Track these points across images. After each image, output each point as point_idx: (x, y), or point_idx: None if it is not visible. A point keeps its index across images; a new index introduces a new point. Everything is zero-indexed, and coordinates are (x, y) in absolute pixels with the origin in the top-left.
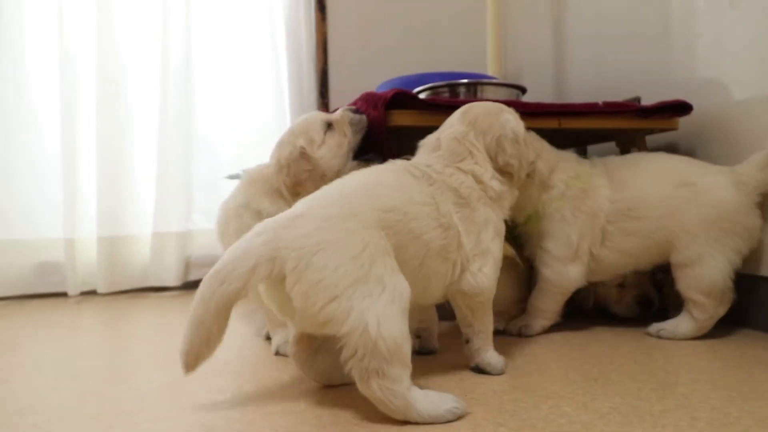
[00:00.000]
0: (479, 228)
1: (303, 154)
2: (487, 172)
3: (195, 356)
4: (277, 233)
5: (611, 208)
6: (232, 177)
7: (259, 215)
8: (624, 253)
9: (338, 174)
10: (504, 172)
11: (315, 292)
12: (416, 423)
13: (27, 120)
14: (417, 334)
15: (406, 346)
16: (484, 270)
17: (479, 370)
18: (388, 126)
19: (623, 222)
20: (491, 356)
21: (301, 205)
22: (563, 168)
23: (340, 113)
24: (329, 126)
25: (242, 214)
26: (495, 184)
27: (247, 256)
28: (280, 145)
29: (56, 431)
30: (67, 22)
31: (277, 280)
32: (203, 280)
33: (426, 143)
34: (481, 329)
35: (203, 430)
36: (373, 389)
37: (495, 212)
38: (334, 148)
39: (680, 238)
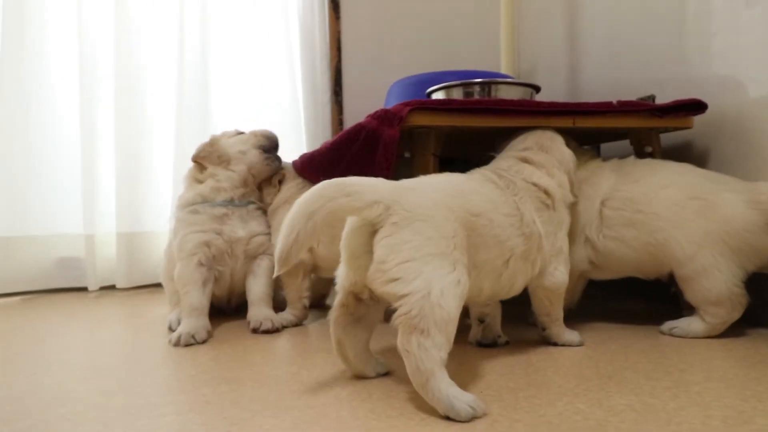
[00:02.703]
0: (556, 229)
1: (211, 139)
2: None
3: (299, 247)
4: (398, 192)
5: (614, 195)
6: None
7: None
8: (625, 245)
9: (239, 160)
10: None
11: (399, 248)
12: (428, 406)
13: (48, 119)
14: (481, 319)
15: (455, 325)
16: (559, 269)
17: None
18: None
19: (624, 211)
20: (569, 335)
21: (413, 183)
22: None
23: (259, 131)
24: (241, 132)
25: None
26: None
27: (373, 191)
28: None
29: (85, 421)
30: (85, 25)
31: (370, 229)
32: (320, 185)
33: (507, 156)
34: (557, 317)
35: (227, 423)
36: (411, 343)
37: (568, 214)
38: (238, 140)
39: (684, 248)
